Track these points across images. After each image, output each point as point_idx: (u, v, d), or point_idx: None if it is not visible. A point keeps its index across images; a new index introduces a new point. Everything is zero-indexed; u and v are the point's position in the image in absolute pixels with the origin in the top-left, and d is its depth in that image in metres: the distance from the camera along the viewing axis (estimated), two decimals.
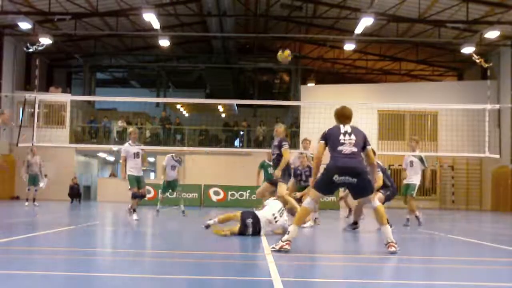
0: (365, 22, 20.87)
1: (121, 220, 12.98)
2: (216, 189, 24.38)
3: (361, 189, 6.88)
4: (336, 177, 6.81)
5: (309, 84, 31.94)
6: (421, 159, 12.48)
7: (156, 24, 21.94)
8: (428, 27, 25.01)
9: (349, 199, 12.87)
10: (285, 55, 10.82)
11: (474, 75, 29.01)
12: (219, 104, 34.13)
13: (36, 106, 14.76)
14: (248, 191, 23.80)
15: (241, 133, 29.11)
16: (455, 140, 21.07)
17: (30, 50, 22.49)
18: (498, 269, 6.09)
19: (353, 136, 7.03)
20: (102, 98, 31.95)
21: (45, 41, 22.95)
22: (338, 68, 33.94)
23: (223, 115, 36.55)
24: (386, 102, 25.22)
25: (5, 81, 26.15)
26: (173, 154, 15.27)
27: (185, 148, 26.82)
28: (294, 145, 27.35)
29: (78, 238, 8.00)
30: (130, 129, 12.46)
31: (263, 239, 8.19)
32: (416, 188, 12.41)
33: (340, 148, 6.96)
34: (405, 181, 12.76)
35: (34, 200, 18.38)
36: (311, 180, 7.41)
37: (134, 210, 11.75)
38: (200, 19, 27.34)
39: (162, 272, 5.28)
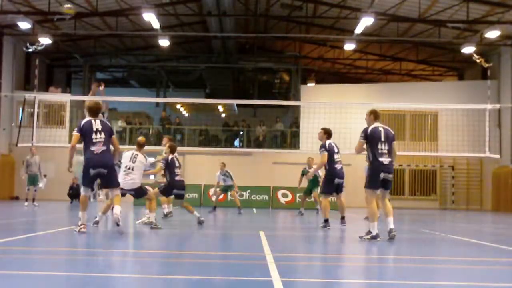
0: (365, 22, 20.85)
1: (122, 221, 12.93)
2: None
3: (391, 184, 8.43)
4: (382, 174, 8.10)
5: (309, 84, 31.93)
6: None
7: (156, 24, 21.92)
8: (428, 27, 24.99)
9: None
10: (66, 9, 11.55)
11: (474, 75, 29.00)
12: (219, 104, 34.11)
13: (36, 106, 14.79)
14: (248, 191, 23.79)
15: (241, 133, 29.10)
16: (455, 140, 21.06)
17: (30, 50, 22.47)
18: (498, 269, 6.08)
19: (385, 136, 8.36)
20: (102, 98, 31.80)
21: (45, 41, 22.94)
22: (338, 68, 33.92)
23: (223, 115, 36.55)
24: (386, 102, 25.18)
25: (5, 81, 26.13)
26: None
27: (185, 148, 26.85)
28: (294, 145, 27.38)
29: (78, 238, 7.98)
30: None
31: (263, 239, 8.18)
32: None
33: (380, 146, 8.18)
34: None
35: (33, 200, 18.37)
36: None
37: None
38: (200, 19, 27.32)
39: (162, 272, 5.27)
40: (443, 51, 29.01)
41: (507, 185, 25.11)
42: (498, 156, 17.28)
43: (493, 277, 5.51)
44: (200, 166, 25.92)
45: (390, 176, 8.40)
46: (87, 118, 8.52)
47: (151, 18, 21.18)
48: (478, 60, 19.56)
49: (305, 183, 16.86)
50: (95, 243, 8.13)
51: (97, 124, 8.36)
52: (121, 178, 9.67)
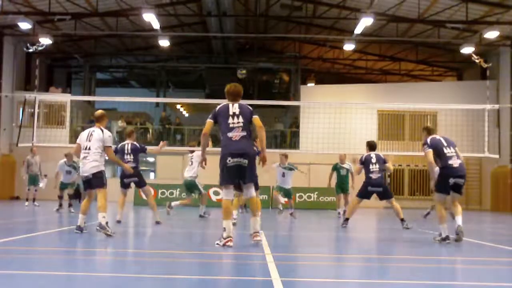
0: (365, 22, 20.86)
1: (122, 220, 12.96)
2: (216, 189, 24.36)
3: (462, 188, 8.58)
4: (451, 180, 8.36)
5: (309, 84, 31.94)
6: None
7: (156, 24, 21.93)
8: (427, 27, 25.00)
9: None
10: None
11: (473, 75, 29.01)
12: (219, 104, 34.07)
13: (36, 106, 14.80)
14: None
15: None
16: (455, 140, 21.04)
17: (30, 50, 22.46)
18: (498, 269, 6.10)
19: (446, 141, 8.68)
20: (102, 98, 31.88)
21: (45, 41, 22.94)
22: (338, 68, 33.92)
23: None
24: (386, 102, 25.20)
25: (5, 81, 26.14)
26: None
27: (185, 148, 26.85)
28: (294, 145, 27.37)
29: (78, 238, 8.00)
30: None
31: (263, 239, 8.20)
32: None
33: (446, 150, 8.48)
34: None
35: (34, 200, 18.39)
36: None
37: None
38: (200, 19, 27.33)
39: (162, 272, 5.29)
40: (443, 52, 29.02)
41: (506, 185, 25.12)
42: (497, 156, 17.29)
43: (493, 277, 5.54)
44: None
45: (462, 180, 8.52)
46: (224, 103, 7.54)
47: (151, 18, 21.19)
48: (477, 61, 19.55)
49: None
50: (96, 243, 8.15)
51: (234, 108, 7.39)
52: (81, 164, 8.51)
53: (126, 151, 11.28)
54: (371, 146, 11.54)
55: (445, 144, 8.63)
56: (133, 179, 11.28)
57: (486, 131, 15.22)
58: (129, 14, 24.57)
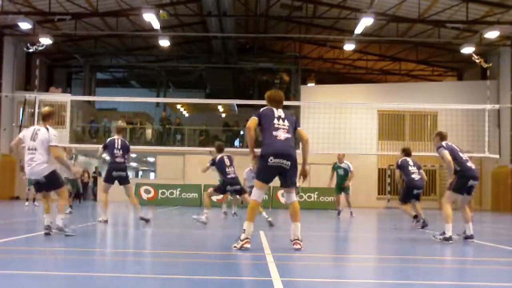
0: (365, 22, 20.87)
1: (121, 220, 12.98)
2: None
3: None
4: (470, 181, 8.63)
5: (309, 84, 31.94)
6: None
7: (156, 24, 21.94)
8: (428, 27, 25.01)
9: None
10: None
11: (474, 75, 29.01)
12: (219, 104, 34.13)
13: (36, 106, 14.79)
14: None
15: (241, 133, 29.10)
16: (455, 140, 20.92)
17: (30, 50, 22.49)
18: (498, 269, 6.09)
19: (457, 147, 9.04)
20: (102, 98, 31.92)
21: (45, 41, 22.95)
22: (338, 68, 33.93)
23: (223, 115, 36.56)
24: (386, 102, 25.20)
25: (5, 81, 26.16)
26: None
27: (185, 148, 26.85)
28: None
29: (78, 238, 7.99)
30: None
31: (263, 239, 8.19)
32: None
33: (461, 155, 8.77)
34: None
35: (34, 200, 18.39)
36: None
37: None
38: (200, 19, 27.34)
39: (162, 272, 5.28)
40: (443, 52, 29.02)
41: (507, 185, 25.12)
42: (497, 156, 17.30)
43: (493, 277, 5.53)
44: (200, 166, 25.92)
45: (477, 183, 8.91)
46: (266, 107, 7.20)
47: (151, 18, 21.20)
48: (477, 61, 19.56)
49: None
50: (96, 243, 8.14)
51: (279, 112, 7.08)
52: (27, 165, 7.86)
53: (116, 146, 11.19)
54: (406, 152, 11.49)
55: (459, 150, 8.98)
56: (121, 173, 11.12)
57: (486, 131, 15.22)
58: (129, 14, 24.58)
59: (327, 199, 23.71)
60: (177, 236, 9.44)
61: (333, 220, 15.24)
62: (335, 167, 16.00)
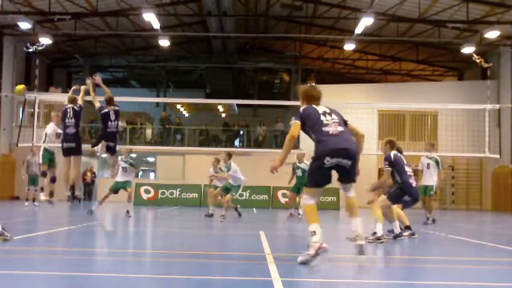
0: (365, 22, 20.87)
1: (121, 220, 12.97)
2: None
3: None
4: (406, 197, 8.67)
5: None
6: (437, 162, 13.90)
7: (156, 24, 21.94)
8: (428, 27, 25.01)
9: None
10: (18, 89, 11.17)
11: (474, 75, 29.00)
12: (219, 104, 34.14)
13: (36, 106, 14.77)
14: (248, 191, 23.75)
15: (241, 133, 29.11)
16: (455, 140, 21.07)
17: (30, 50, 22.42)
18: (498, 269, 6.09)
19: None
20: (102, 98, 31.88)
21: (45, 41, 22.92)
22: (338, 68, 33.93)
23: (223, 115, 36.56)
24: (386, 102, 25.20)
25: (5, 81, 26.15)
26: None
27: (185, 148, 26.85)
28: (294, 145, 27.33)
29: (78, 238, 7.99)
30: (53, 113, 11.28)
31: (263, 239, 8.19)
32: (434, 189, 13.72)
33: (406, 169, 8.70)
34: (422, 183, 13.57)
35: (34, 200, 18.37)
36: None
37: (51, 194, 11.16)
38: (200, 19, 27.34)
39: (162, 272, 5.28)
40: (443, 51, 29.02)
41: (507, 185, 25.11)
42: (497, 156, 17.25)
43: (493, 277, 5.53)
44: (200, 166, 25.93)
45: (410, 200, 8.94)
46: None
47: (151, 18, 21.21)
48: (477, 60, 19.51)
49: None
50: (96, 243, 8.14)
51: (323, 108, 6.35)
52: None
53: (68, 115, 10.76)
54: (395, 144, 9.21)
55: (406, 163, 8.85)
56: (71, 144, 10.56)
57: (486, 131, 15.19)
58: (129, 14, 24.59)
59: (327, 199, 23.71)
60: (176, 236, 9.44)
61: (334, 220, 15.22)
62: (294, 168, 15.00)
